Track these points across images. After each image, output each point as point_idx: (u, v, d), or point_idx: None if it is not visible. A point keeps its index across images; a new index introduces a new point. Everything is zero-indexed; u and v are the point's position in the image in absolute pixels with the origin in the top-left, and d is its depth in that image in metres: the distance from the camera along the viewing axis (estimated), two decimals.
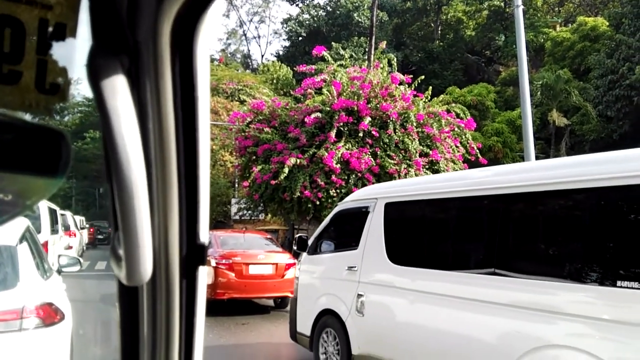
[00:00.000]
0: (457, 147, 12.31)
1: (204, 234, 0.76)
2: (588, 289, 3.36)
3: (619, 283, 3.12)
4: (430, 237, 5.03)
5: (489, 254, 4.18)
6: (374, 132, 11.31)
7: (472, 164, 11.56)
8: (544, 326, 3.49)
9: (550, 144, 22.88)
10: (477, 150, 12.50)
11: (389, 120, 11.48)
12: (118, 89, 0.59)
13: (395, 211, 5.22)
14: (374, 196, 5.58)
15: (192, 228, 0.74)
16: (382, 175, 10.97)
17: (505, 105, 25.01)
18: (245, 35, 54.96)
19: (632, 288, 3.03)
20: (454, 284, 4.25)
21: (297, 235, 6.81)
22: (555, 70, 23.23)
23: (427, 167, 11.56)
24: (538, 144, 21.84)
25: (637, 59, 19.61)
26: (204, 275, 0.78)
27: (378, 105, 11.66)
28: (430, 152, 11.75)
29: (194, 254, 0.75)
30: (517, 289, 3.78)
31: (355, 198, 6.11)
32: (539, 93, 21.90)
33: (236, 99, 25.29)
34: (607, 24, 24.39)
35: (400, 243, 5.19)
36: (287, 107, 13.05)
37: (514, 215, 4.19)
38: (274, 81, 30.73)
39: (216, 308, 8.96)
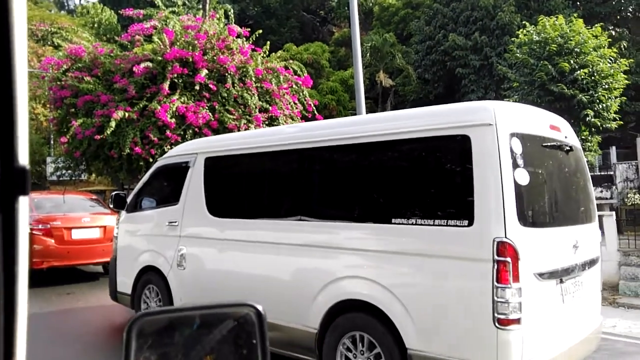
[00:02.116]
0: (295, 103, 12.43)
1: (24, 155, 0.65)
2: (371, 227, 4.02)
3: (393, 220, 3.83)
4: (246, 189, 5.27)
5: (296, 203, 4.65)
6: (211, 86, 10.79)
7: (310, 120, 11.79)
8: (338, 262, 4.12)
9: (378, 103, 24.62)
10: (314, 107, 12.78)
11: (227, 74, 11.04)
12: None
13: (214, 165, 5.39)
14: (194, 151, 5.66)
15: (9, 147, 0.63)
16: (222, 130, 10.59)
17: (339, 65, 26.04)
18: None
19: (402, 224, 3.77)
20: (267, 231, 4.70)
21: (114, 193, 6.48)
22: (382, 33, 24.78)
23: (266, 122, 11.48)
24: (367, 102, 23.26)
25: (451, 28, 21.83)
26: (26, 210, 0.67)
27: (215, 58, 11.12)
28: (270, 107, 11.68)
29: (12, 180, 0.64)
30: (318, 231, 4.32)
31: (176, 153, 6.09)
32: (368, 55, 23.19)
33: (49, 43, 22.20)
34: None
35: (219, 196, 5.37)
36: (112, 54, 11.73)
37: (314, 167, 4.65)
38: (95, 25, 27.49)
39: (34, 279, 7.97)
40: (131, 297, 6.00)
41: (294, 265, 4.48)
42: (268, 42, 12.83)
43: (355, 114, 12.15)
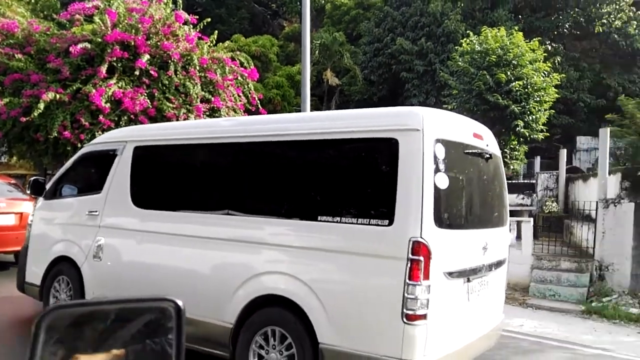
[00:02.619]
0: (239, 96, 12.32)
1: None
2: (297, 223, 4.09)
3: (319, 218, 3.91)
4: (174, 181, 5.24)
5: (224, 197, 4.64)
6: (152, 72, 10.50)
7: (253, 114, 11.75)
8: (261, 257, 4.16)
9: (323, 101, 24.79)
10: (258, 101, 12.72)
11: (170, 61, 10.78)
12: None
13: (143, 155, 5.25)
14: (123, 139, 5.51)
15: None
16: (159, 119, 10.35)
17: (287, 60, 25.96)
18: None
19: (328, 222, 3.86)
20: (193, 225, 4.65)
21: (32, 178, 6.21)
22: (332, 32, 24.93)
23: (208, 113, 11.32)
24: (313, 100, 23.39)
25: (399, 31, 22.29)
26: None
27: (159, 43, 10.83)
28: (212, 98, 11.52)
29: None
30: (245, 226, 4.34)
31: (103, 140, 5.90)
32: (317, 52, 23.28)
33: None
34: None
35: (145, 187, 5.33)
36: (48, 32, 11.17)
37: (244, 162, 4.65)
38: (33, 1, 25.93)
39: None
40: (40, 289, 5.75)
41: (218, 259, 4.46)
42: (216, 32, 12.62)
43: (300, 110, 12.22)
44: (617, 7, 21.66)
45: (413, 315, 3.44)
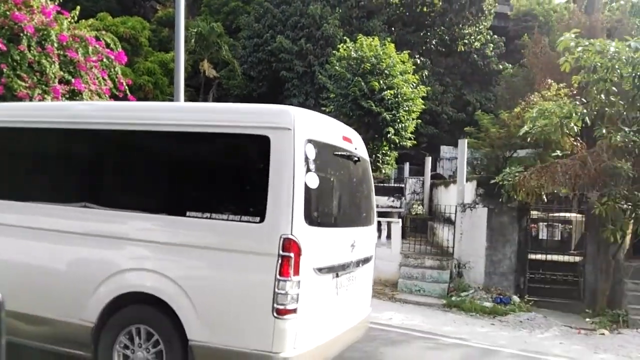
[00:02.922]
0: (104, 79, 11.15)
1: None
2: (164, 218, 3.97)
3: (188, 213, 3.85)
4: (24, 168, 4.76)
5: (81, 188, 4.40)
6: (1, 46, 9.07)
7: (120, 100, 10.76)
8: (125, 253, 4.00)
9: (200, 92, 23.84)
10: (127, 87, 11.65)
11: (22, 34, 9.38)
12: None
13: None
14: None
15: None
16: (9, 98, 8.92)
17: (160, 46, 24.49)
18: None
19: (197, 218, 3.81)
20: (45, 217, 4.31)
21: None
22: (210, 22, 24.07)
23: (67, 96, 10.08)
24: (188, 91, 22.33)
25: (279, 29, 22.22)
26: None
27: (8, 13, 9.38)
28: (73, 80, 10.28)
29: None
30: (106, 220, 4.12)
31: None
32: (193, 41, 22.29)
33: None
34: None
35: None
36: None
37: (106, 151, 4.40)
38: None
39: None
40: None
41: (75, 255, 4.20)
42: (79, 7, 11.32)
43: (173, 100, 11.50)
44: (477, 29, 23.95)
45: (283, 310, 3.53)
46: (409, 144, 15.36)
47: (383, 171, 16.87)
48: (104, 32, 11.76)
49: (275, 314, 3.53)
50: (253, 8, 24.84)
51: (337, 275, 4.19)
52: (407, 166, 19.83)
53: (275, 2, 23.62)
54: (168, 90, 20.75)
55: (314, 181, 3.80)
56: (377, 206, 15.34)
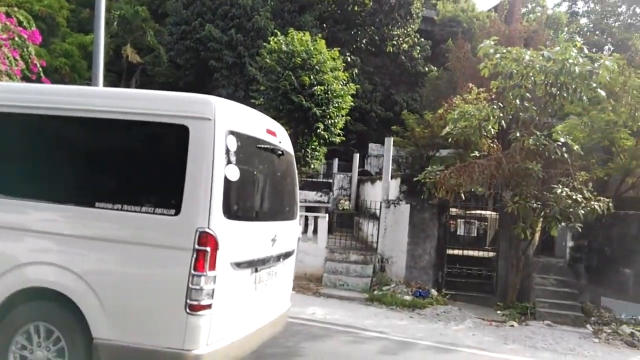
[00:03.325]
0: (16, 59, 10.34)
1: None
2: (71, 209, 3.75)
3: (97, 204, 3.66)
4: None
5: None
6: None
7: (33, 82, 9.99)
8: (24, 246, 3.75)
9: (122, 78, 22.70)
10: (41, 69, 10.87)
11: None
12: None
13: None
14: None
15: None
16: None
17: (79, 27, 23.00)
18: None
19: (107, 209, 3.63)
20: None
21: None
22: (134, 5, 22.95)
23: None
24: (110, 76, 21.24)
25: (209, 18, 21.59)
26: None
27: None
28: None
29: None
30: (2, 210, 3.83)
31: None
32: (115, 24, 21.20)
33: None
34: None
35: None
36: None
37: (6, 135, 4.09)
38: None
39: None
40: None
41: None
42: None
43: (91, 85, 10.85)
44: (405, 31, 24.61)
45: (197, 306, 3.44)
46: (338, 140, 15.51)
47: (312, 166, 16.92)
48: (16, 9, 10.90)
49: (188, 310, 3.43)
50: None
51: (257, 270, 4.14)
52: (336, 162, 20.05)
53: None
54: (87, 75, 19.54)
55: (234, 174, 3.73)
56: (305, 201, 15.52)
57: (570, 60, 8.72)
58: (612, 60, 9.03)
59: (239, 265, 3.82)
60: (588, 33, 25.81)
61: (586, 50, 9.13)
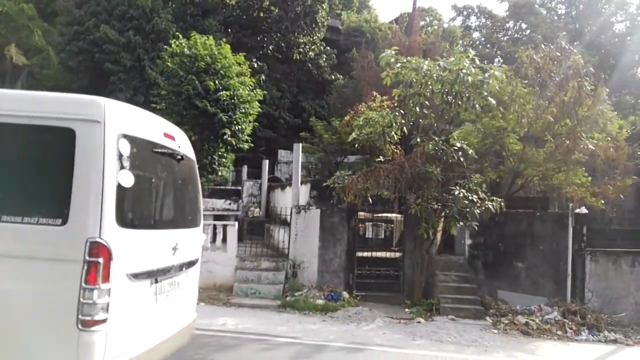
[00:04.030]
0: None
1: None
2: None
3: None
4: None
5: None
6: None
7: None
8: None
9: (5, 80, 20.73)
10: None
11: None
12: None
13: None
14: None
15: None
16: None
17: None
18: None
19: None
20: None
21: None
22: (19, 2, 21.09)
23: None
24: None
25: (104, 18, 20.37)
26: None
27: None
28: None
29: None
30: None
31: None
32: None
33: None
34: None
35: None
36: None
37: None
38: None
39: None
40: None
41: None
42: None
43: None
44: (311, 39, 24.98)
45: (90, 321, 3.23)
46: (246, 146, 15.31)
47: (220, 173, 16.54)
48: None
49: (80, 326, 3.21)
50: None
51: (157, 281, 3.97)
52: (245, 169, 19.77)
53: None
54: None
55: (128, 180, 3.54)
56: (214, 209, 15.13)
57: (464, 70, 9.32)
58: (501, 71, 9.82)
59: (136, 276, 3.63)
60: (480, 46, 28.05)
61: (478, 61, 9.81)
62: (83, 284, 3.21)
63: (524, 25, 29.73)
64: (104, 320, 3.28)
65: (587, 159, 11.11)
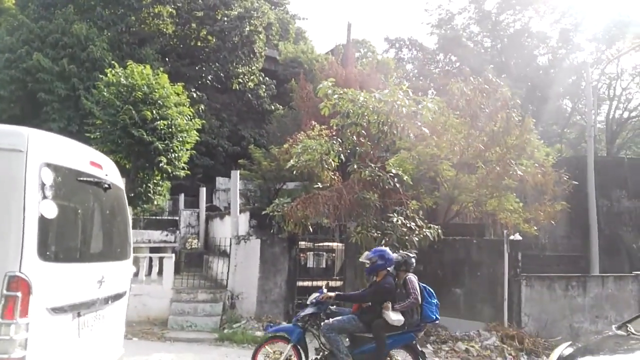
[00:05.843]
0: None
1: None
2: None
3: None
4: None
5: None
6: None
7: None
8: None
9: None
10: None
11: None
12: None
13: None
14: None
15: None
16: None
17: None
18: None
19: None
20: None
21: None
22: None
23: None
24: None
25: (37, 46, 19.64)
26: None
27: None
28: None
29: None
30: None
31: None
32: None
33: None
34: (14, 1, 23.49)
35: None
36: None
37: None
38: None
39: None
40: None
41: None
42: None
43: None
44: (250, 69, 25.16)
45: (8, 359, 3.13)
46: (182, 173, 15.03)
47: (155, 202, 16.08)
48: None
49: None
50: (5, 20, 21.55)
51: (80, 315, 3.82)
52: (182, 197, 19.29)
53: (34, 17, 20.96)
54: None
55: (51, 210, 3.43)
56: (150, 241, 14.64)
57: (398, 102, 9.67)
58: (433, 102, 10.26)
59: (57, 310, 3.50)
60: (414, 78, 29.16)
61: (411, 93, 10.23)
62: (0, 319, 3.11)
63: (453, 58, 31.21)
64: (22, 358, 3.16)
65: (517, 184, 11.61)
